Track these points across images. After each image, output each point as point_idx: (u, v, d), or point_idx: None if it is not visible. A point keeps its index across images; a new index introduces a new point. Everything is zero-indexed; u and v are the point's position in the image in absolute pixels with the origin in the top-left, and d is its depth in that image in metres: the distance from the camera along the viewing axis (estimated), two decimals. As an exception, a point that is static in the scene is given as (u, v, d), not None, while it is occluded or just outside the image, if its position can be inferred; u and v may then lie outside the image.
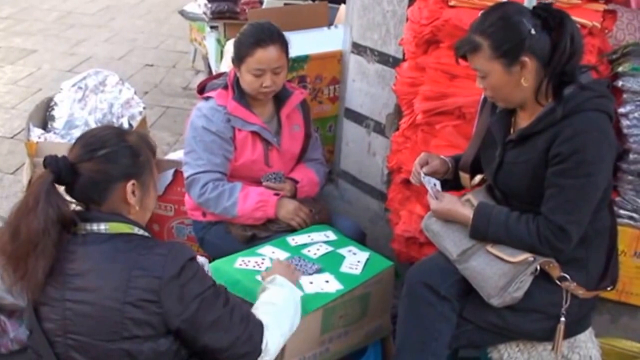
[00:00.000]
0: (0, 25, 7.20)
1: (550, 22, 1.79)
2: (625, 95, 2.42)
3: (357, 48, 3.13)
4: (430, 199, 2.05)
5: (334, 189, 3.44)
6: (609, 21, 2.46)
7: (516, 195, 1.95)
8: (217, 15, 4.84)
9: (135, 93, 3.71)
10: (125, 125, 3.40)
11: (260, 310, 1.74)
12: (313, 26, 3.52)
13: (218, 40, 4.91)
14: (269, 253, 2.26)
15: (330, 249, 2.31)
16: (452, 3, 2.40)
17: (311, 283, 2.08)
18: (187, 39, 6.15)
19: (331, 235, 2.42)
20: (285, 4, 4.24)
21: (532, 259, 1.85)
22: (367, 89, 3.12)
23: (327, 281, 2.10)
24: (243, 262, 2.19)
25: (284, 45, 2.51)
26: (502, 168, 1.96)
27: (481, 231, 1.91)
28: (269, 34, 2.47)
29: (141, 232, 1.64)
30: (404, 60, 2.78)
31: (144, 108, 3.70)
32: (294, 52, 2.62)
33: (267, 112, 2.64)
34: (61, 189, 1.60)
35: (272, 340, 1.68)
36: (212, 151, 2.51)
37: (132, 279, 1.52)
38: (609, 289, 1.99)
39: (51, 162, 1.57)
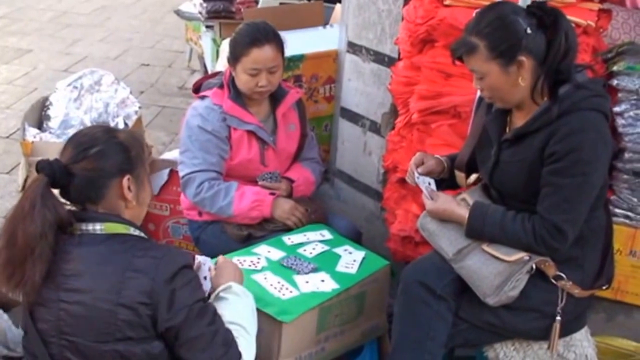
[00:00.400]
0: (-4, 25, 7.20)
1: (545, 21, 1.79)
2: (620, 94, 2.42)
3: (353, 47, 3.13)
4: (425, 199, 2.05)
5: (330, 188, 3.44)
6: (603, 20, 2.46)
7: (512, 194, 1.95)
8: (212, 15, 4.84)
9: (130, 92, 3.69)
10: (121, 125, 3.39)
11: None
12: (308, 25, 3.52)
13: (214, 40, 4.90)
14: (265, 252, 2.26)
15: (326, 248, 2.31)
16: (447, 2, 2.40)
17: (307, 282, 2.08)
18: (182, 38, 6.14)
19: (327, 235, 2.42)
20: (280, 4, 4.24)
21: (527, 258, 1.86)
22: (362, 88, 3.12)
23: (322, 280, 2.10)
24: (239, 261, 2.17)
25: (279, 44, 2.50)
26: (498, 167, 1.96)
27: (477, 230, 1.91)
28: (265, 34, 2.47)
29: (137, 232, 1.63)
30: (399, 59, 2.78)
31: (140, 107, 3.68)
32: (289, 51, 2.62)
33: (263, 111, 2.63)
34: (56, 192, 1.59)
35: None
36: (207, 150, 2.51)
37: (125, 281, 1.51)
38: (604, 287, 2.00)
39: (44, 166, 1.56)
